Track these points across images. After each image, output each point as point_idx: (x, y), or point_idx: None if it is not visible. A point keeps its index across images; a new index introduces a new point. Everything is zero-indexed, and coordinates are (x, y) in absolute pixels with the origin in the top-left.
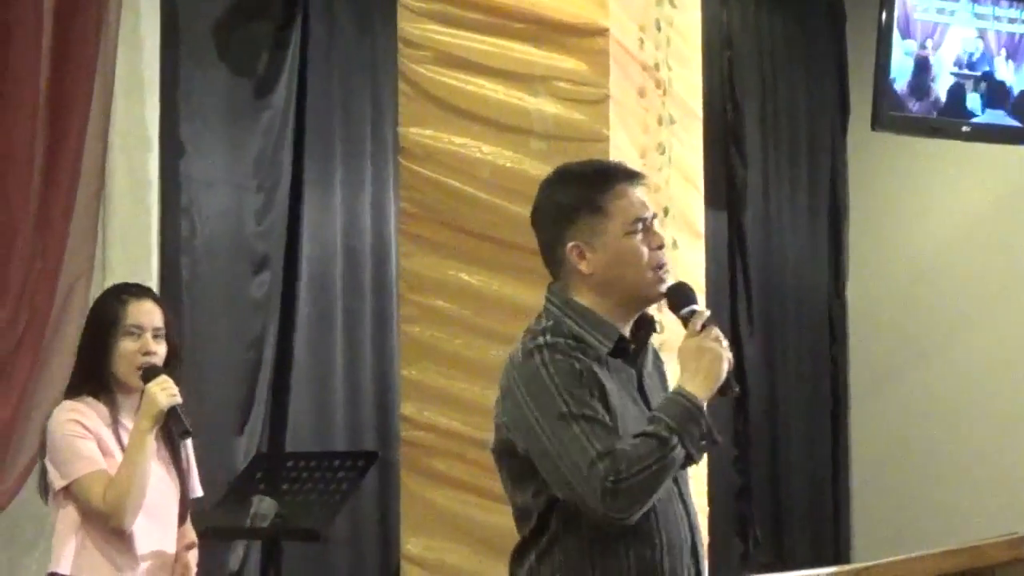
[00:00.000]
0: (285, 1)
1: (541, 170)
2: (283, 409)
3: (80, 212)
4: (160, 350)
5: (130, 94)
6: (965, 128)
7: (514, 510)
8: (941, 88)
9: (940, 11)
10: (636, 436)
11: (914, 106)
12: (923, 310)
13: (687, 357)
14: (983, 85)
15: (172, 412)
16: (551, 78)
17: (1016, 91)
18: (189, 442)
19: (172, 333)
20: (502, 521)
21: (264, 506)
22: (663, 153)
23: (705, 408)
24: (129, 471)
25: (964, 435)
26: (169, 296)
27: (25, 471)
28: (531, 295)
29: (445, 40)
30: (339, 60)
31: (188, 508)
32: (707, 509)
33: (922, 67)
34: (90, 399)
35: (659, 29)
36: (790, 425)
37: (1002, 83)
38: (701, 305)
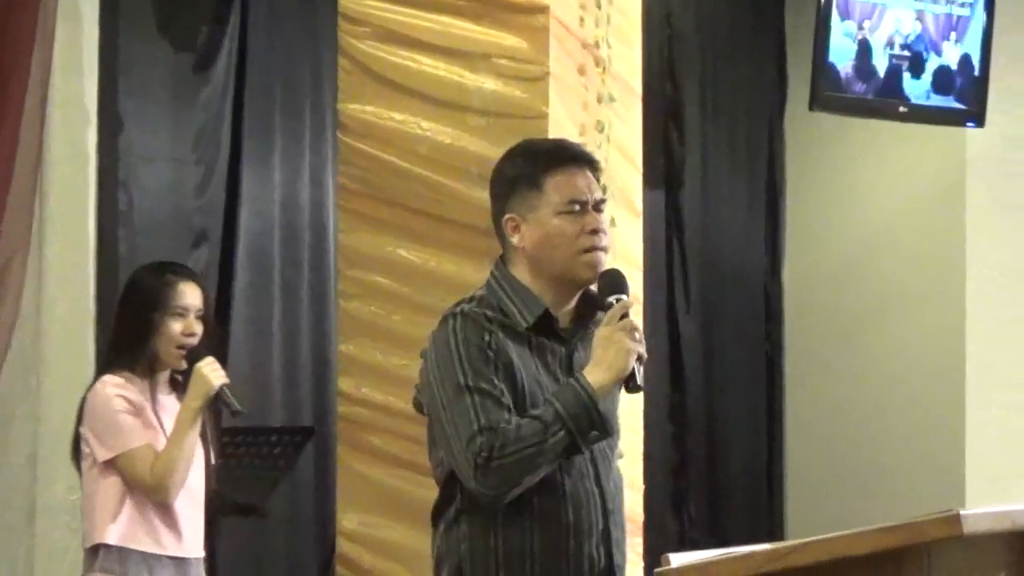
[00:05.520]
0: None
1: (480, 147)
2: None
3: (17, 186)
4: (199, 331)
5: (69, 68)
6: (902, 108)
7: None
8: (879, 69)
9: None
10: (524, 417)
11: (852, 87)
12: (859, 291)
13: (596, 345)
14: (920, 66)
15: (219, 392)
16: (491, 55)
17: (954, 71)
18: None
19: (209, 314)
20: None
21: None
22: (602, 131)
23: (599, 399)
24: (177, 447)
25: (899, 415)
26: (106, 270)
27: None
28: (470, 271)
29: (385, 16)
30: (279, 35)
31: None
32: (643, 487)
33: (860, 48)
34: (128, 374)
35: (599, 7)
36: (726, 403)
37: (941, 65)
38: (629, 296)
